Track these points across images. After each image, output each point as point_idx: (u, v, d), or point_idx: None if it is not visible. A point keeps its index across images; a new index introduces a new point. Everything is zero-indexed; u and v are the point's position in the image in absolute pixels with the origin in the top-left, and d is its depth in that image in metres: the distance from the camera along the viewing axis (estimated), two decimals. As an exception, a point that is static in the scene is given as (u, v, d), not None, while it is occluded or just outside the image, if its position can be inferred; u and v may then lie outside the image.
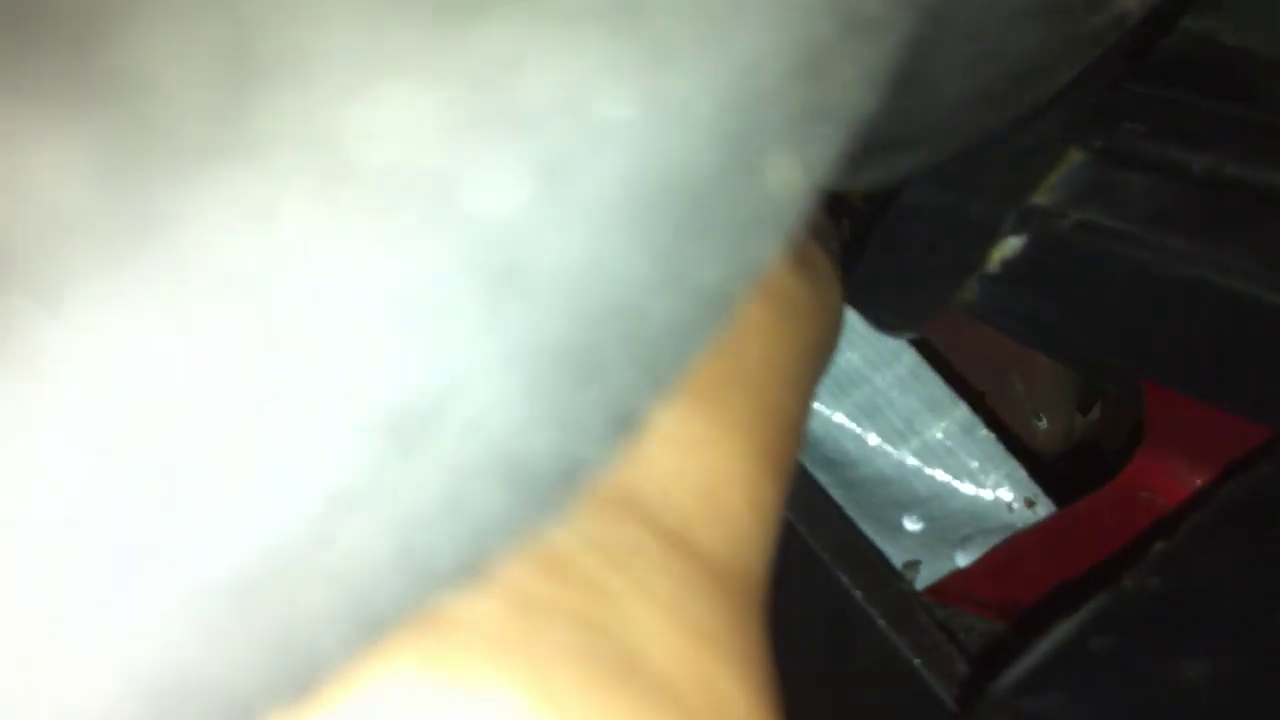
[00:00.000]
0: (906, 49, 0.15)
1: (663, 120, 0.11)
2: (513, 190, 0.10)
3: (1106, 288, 0.28)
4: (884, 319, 0.32)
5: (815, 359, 0.20)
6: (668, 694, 0.14)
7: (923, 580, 0.34)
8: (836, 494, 0.32)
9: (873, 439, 0.34)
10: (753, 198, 0.12)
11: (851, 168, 0.28)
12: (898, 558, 0.34)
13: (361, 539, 0.10)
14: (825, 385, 0.34)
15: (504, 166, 0.10)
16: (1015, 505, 0.34)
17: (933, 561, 0.34)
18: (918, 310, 0.31)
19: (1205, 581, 0.22)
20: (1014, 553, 0.33)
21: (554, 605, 0.13)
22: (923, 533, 0.34)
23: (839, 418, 0.34)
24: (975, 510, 0.34)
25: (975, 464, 0.34)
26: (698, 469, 0.16)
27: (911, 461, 0.34)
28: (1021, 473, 0.34)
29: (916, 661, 0.30)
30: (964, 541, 0.34)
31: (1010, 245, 0.28)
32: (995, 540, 0.33)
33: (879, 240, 0.31)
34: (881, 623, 0.30)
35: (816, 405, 0.34)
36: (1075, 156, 0.28)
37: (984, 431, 0.34)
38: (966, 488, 0.34)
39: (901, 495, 0.34)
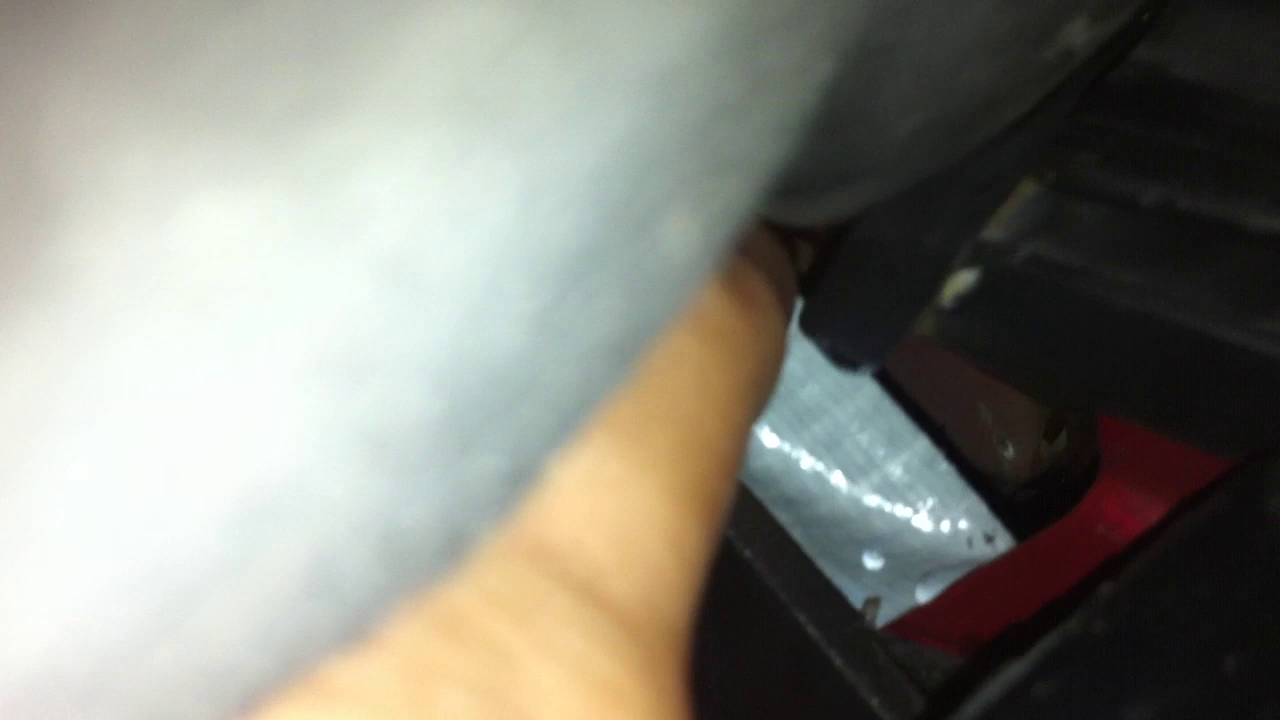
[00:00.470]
0: (826, 92, 0.15)
1: (520, 202, 0.11)
2: (349, 287, 0.10)
3: (1059, 321, 0.27)
4: (841, 351, 0.31)
5: (752, 394, 0.20)
6: None
7: (884, 616, 0.33)
8: (796, 532, 0.31)
9: (833, 475, 0.34)
10: (646, 257, 0.12)
11: (804, 203, 0.28)
12: (859, 595, 0.33)
13: (215, 624, 0.10)
14: (786, 418, 0.34)
15: (336, 265, 0.10)
16: (975, 540, 0.34)
17: (894, 598, 0.33)
18: (875, 342, 0.31)
19: (1152, 624, 0.22)
20: (974, 588, 0.32)
21: (448, 671, 0.13)
22: (883, 569, 0.34)
23: (800, 454, 0.34)
24: (935, 546, 0.34)
25: (935, 499, 0.34)
26: (613, 512, 0.16)
27: (871, 498, 0.34)
28: (982, 507, 0.34)
29: (874, 701, 0.29)
30: (925, 577, 0.33)
31: (964, 279, 0.28)
32: (955, 575, 0.33)
33: (834, 271, 0.31)
34: (839, 662, 0.30)
35: (778, 441, 0.34)
36: (1028, 189, 0.28)
37: (944, 465, 0.34)
38: (926, 524, 0.34)
39: (861, 533, 0.34)
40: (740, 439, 0.19)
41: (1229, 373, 0.26)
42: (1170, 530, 0.24)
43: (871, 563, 0.34)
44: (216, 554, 0.10)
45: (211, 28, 0.10)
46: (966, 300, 0.28)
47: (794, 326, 0.28)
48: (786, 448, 0.34)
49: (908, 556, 0.34)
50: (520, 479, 0.12)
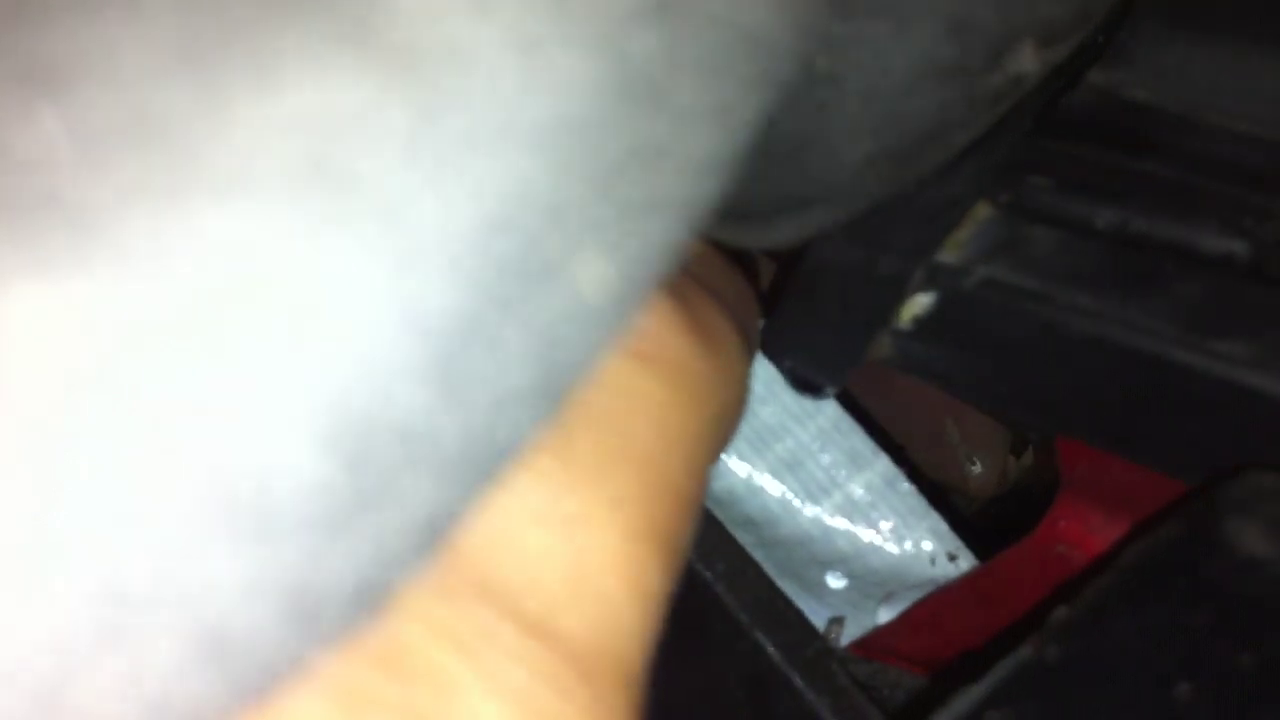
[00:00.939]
0: (761, 127, 0.15)
1: (393, 264, 0.11)
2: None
3: (1015, 344, 0.27)
4: (801, 373, 0.31)
5: (714, 435, 0.20)
6: None
7: (848, 636, 0.33)
8: (757, 553, 0.31)
9: (795, 496, 0.34)
10: (556, 303, 0.12)
11: (759, 228, 0.28)
12: (822, 614, 0.33)
13: (95, 700, 0.10)
14: (747, 438, 0.34)
15: (169, 354, 0.10)
16: (938, 559, 0.34)
17: (857, 617, 0.33)
18: (834, 363, 0.31)
19: (1104, 651, 0.22)
20: (937, 607, 0.32)
21: (389, 702, 0.13)
22: (846, 589, 0.33)
23: (761, 475, 0.34)
24: (897, 566, 0.34)
25: (897, 519, 0.34)
26: (568, 551, 0.16)
27: (833, 518, 0.34)
28: (943, 526, 0.34)
29: (835, 723, 0.29)
30: (888, 597, 0.33)
31: (920, 302, 0.28)
32: (919, 595, 0.33)
33: (792, 294, 0.31)
34: (800, 684, 0.30)
35: (738, 461, 0.34)
36: (983, 212, 0.28)
37: (906, 485, 0.34)
38: (888, 544, 0.34)
39: (824, 553, 0.34)
40: (701, 479, 0.19)
41: (1183, 396, 0.26)
42: (1124, 555, 0.24)
43: (835, 582, 0.34)
44: (88, 639, 0.10)
45: (28, 111, 0.10)
46: (923, 323, 0.28)
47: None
48: (748, 468, 0.34)
49: (871, 576, 0.34)
50: (436, 527, 0.12)
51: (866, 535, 0.34)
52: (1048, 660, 0.22)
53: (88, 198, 0.10)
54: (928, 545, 0.34)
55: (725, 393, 0.20)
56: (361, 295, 0.11)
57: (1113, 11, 0.28)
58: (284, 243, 0.10)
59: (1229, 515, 0.24)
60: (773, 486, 0.34)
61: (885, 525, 0.34)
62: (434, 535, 0.12)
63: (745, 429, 0.34)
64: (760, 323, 0.30)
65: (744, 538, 0.32)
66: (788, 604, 0.31)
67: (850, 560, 0.34)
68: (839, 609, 0.33)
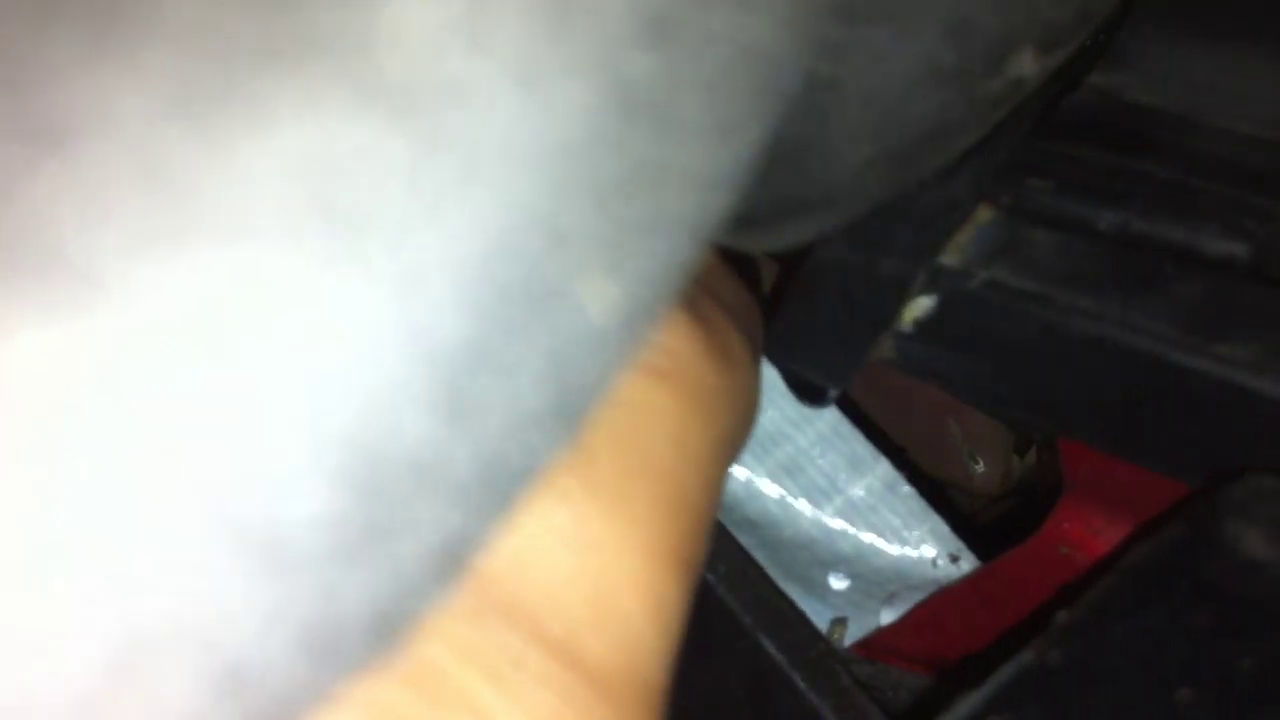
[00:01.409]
0: (770, 139, 0.15)
1: (398, 294, 0.11)
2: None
3: (1016, 346, 0.27)
4: (803, 376, 0.31)
5: (727, 448, 0.20)
6: None
7: (851, 636, 0.33)
8: (759, 555, 0.31)
9: (796, 499, 0.34)
10: (566, 325, 0.12)
11: (760, 232, 0.28)
12: (825, 615, 0.33)
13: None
14: (747, 444, 0.34)
15: (175, 392, 0.10)
16: (939, 561, 0.34)
17: (860, 618, 0.33)
18: (836, 366, 0.31)
19: (1106, 654, 0.22)
20: (939, 609, 0.32)
21: None
22: (849, 590, 0.34)
23: (762, 479, 0.34)
24: (899, 567, 0.34)
25: (898, 521, 0.34)
26: (591, 572, 0.16)
27: (834, 521, 0.34)
28: (944, 528, 0.34)
29: (837, 725, 0.29)
30: (890, 598, 0.33)
31: (921, 304, 0.28)
32: (920, 596, 0.33)
33: (794, 296, 0.31)
34: (802, 685, 0.30)
35: (739, 465, 0.34)
36: (984, 215, 0.28)
37: (906, 488, 0.34)
38: (890, 545, 0.34)
39: (826, 554, 0.34)
40: (715, 494, 0.19)
41: (1184, 397, 0.26)
42: (1125, 558, 0.24)
43: (837, 583, 0.34)
44: (102, 682, 0.10)
45: (31, 165, 0.10)
46: (925, 325, 0.28)
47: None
48: (748, 474, 0.34)
49: (873, 577, 0.34)
50: (455, 554, 0.12)
51: (867, 537, 0.34)
52: (1050, 664, 0.22)
53: (92, 248, 0.10)
54: (929, 548, 0.34)
55: (738, 406, 0.20)
56: (367, 328, 0.11)
57: (1113, 14, 0.28)
58: (288, 280, 0.10)
59: (1230, 517, 0.24)
60: (772, 491, 0.34)
61: (886, 528, 0.34)
62: (454, 562, 0.12)
63: (746, 433, 0.34)
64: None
65: (745, 539, 0.32)
66: (790, 605, 0.31)
67: (853, 561, 0.34)
68: (842, 609, 0.34)
